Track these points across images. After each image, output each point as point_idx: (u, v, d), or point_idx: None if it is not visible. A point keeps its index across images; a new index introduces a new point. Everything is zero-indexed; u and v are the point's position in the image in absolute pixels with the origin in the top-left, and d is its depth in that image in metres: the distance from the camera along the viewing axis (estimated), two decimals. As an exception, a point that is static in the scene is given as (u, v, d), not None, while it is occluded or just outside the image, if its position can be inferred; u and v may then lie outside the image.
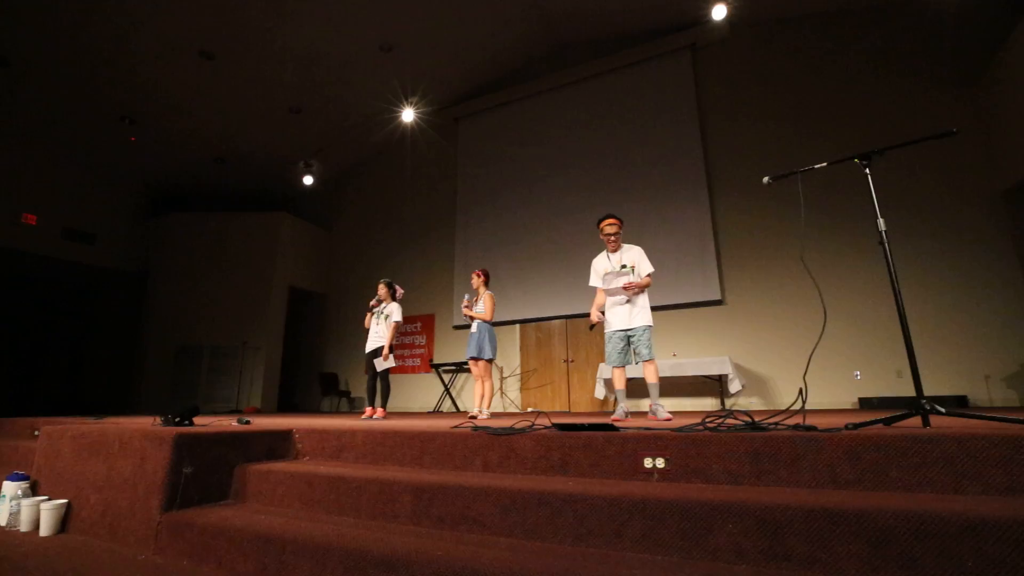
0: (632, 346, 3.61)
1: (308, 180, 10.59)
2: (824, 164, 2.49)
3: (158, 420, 3.31)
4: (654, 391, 3.48)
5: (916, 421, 1.96)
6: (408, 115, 9.75)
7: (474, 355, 4.75)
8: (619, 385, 3.67)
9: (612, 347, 3.63)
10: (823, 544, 1.34)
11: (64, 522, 2.51)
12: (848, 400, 6.44)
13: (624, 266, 3.69)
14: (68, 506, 2.53)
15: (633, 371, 6.94)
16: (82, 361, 9.91)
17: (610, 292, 3.65)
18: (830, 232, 6.80)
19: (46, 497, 2.61)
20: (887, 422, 1.99)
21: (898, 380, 6.22)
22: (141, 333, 10.11)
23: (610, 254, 3.78)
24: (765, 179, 2.67)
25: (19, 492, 2.64)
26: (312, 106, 9.49)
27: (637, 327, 3.57)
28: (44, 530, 2.46)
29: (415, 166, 10.75)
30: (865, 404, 6.24)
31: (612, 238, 3.73)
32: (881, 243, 2.13)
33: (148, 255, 10.44)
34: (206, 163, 10.54)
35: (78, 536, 2.43)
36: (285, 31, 7.76)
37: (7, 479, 2.69)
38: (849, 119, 7.05)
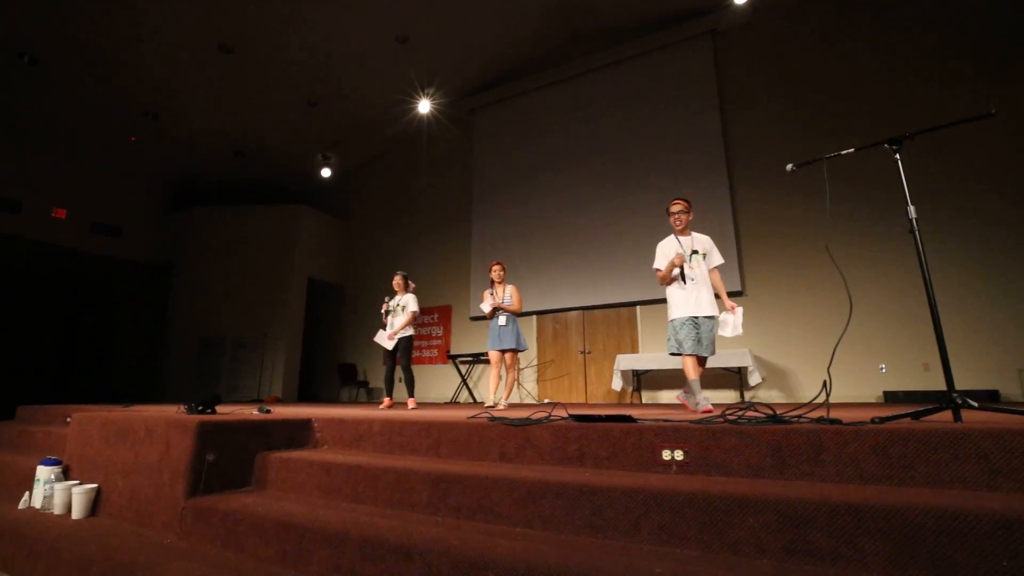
0: (700, 335, 3.36)
1: (326, 172, 10.68)
2: (851, 150, 2.41)
3: (182, 408, 3.39)
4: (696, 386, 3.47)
5: (945, 416, 1.89)
6: (424, 107, 9.76)
7: (512, 347, 4.74)
8: (695, 374, 3.34)
9: (685, 333, 3.34)
10: (848, 540, 1.30)
11: (94, 506, 2.60)
12: (872, 394, 6.29)
13: (696, 252, 3.48)
14: (98, 490, 2.62)
15: (649, 363, 6.91)
16: (109, 351, 10.22)
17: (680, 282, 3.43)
18: (855, 222, 6.60)
19: (77, 481, 2.70)
20: (915, 416, 1.92)
21: (924, 374, 6.04)
22: (165, 324, 10.37)
23: (679, 238, 3.56)
24: (789, 166, 2.60)
25: (52, 476, 2.74)
26: (329, 99, 9.53)
27: (712, 316, 3.39)
28: (76, 513, 2.54)
29: (431, 158, 10.76)
30: (890, 398, 6.09)
31: (675, 216, 3.52)
32: (912, 231, 2.05)
33: (171, 248, 10.67)
34: (226, 157, 10.70)
35: (107, 520, 2.51)
36: (302, 24, 7.79)
37: (41, 464, 2.79)
38: (877, 105, 6.80)
